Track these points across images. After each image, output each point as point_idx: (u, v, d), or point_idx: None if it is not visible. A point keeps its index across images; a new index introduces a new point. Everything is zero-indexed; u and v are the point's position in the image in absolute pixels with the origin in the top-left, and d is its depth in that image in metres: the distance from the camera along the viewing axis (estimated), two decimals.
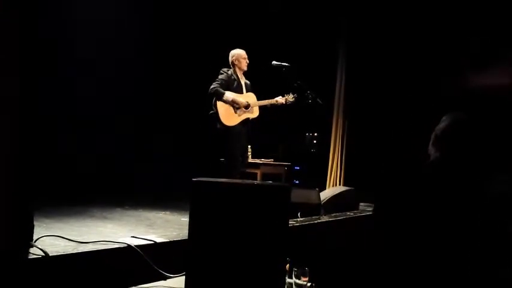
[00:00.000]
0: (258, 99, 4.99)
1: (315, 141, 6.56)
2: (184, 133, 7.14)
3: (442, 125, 1.96)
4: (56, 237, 2.83)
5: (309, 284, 2.40)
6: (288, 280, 2.42)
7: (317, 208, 5.00)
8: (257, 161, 5.80)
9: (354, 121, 6.58)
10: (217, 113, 4.72)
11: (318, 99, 4.98)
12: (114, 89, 6.34)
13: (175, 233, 3.32)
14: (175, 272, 2.84)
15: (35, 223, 2.68)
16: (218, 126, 4.76)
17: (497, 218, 1.79)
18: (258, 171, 5.57)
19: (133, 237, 3.05)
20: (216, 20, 7.17)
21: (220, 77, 4.80)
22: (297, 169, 6.44)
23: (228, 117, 4.74)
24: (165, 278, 2.78)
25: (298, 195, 4.90)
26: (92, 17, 6.03)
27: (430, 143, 1.98)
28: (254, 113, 4.91)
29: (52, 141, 5.37)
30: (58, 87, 5.70)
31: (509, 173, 1.89)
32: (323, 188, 6.23)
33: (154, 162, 6.78)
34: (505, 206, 1.81)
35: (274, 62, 5.01)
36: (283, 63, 4.96)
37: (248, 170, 5.16)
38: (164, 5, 6.95)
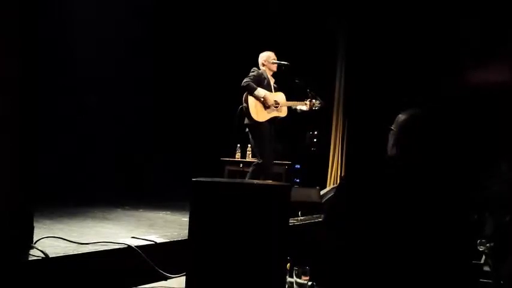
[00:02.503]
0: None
1: (315, 140, 6.55)
2: (186, 132, 7.13)
3: (398, 120, 1.96)
4: (56, 239, 2.83)
5: (309, 283, 2.40)
6: (288, 279, 2.42)
7: (318, 206, 5.00)
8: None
9: (354, 119, 6.57)
10: (248, 107, 4.79)
11: (318, 97, 4.99)
12: (114, 89, 6.34)
13: (175, 233, 3.32)
14: (176, 272, 2.83)
15: (35, 224, 2.68)
16: (246, 121, 4.85)
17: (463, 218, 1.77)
18: None
19: (133, 237, 3.05)
20: (216, 20, 7.16)
21: (251, 73, 4.88)
22: (297, 168, 6.44)
23: (258, 112, 4.81)
24: (165, 278, 2.78)
25: (298, 194, 4.90)
26: (92, 17, 6.03)
27: (390, 139, 1.97)
28: (282, 113, 4.98)
29: (52, 141, 5.37)
30: (58, 86, 5.69)
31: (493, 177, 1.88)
32: (323, 186, 6.23)
33: (155, 162, 6.78)
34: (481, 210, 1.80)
35: (273, 61, 5.02)
36: (282, 62, 4.98)
37: (247, 169, 5.17)
38: (164, 5, 6.94)
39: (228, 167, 6.09)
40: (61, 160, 5.65)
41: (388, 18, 6.32)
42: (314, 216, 4.63)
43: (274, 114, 4.90)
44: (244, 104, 4.83)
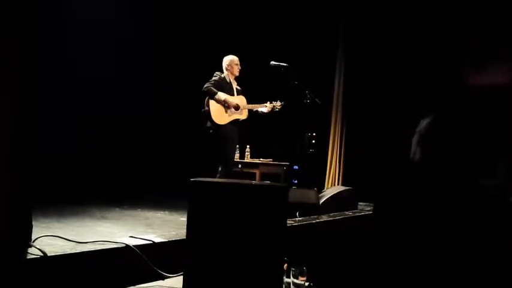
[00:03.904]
0: (254, 100, 5.17)
1: (313, 141, 6.57)
2: (185, 132, 7.14)
3: (423, 125, 1.96)
4: (55, 237, 2.83)
5: (306, 284, 2.41)
6: (286, 280, 2.42)
7: (316, 208, 5.01)
8: (256, 160, 5.81)
9: (353, 121, 6.58)
10: (209, 111, 4.91)
11: (316, 99, 5.03)
12: (113, 88, 6.34)
13: (173, 233, 3.32)
14: (174, 271, 2.84)
15: (33, 223, 2.69)
16: (208, 124, 4.96)
17: (486, 217, 1.79)
18: (257, 171, 5.59)
19: (131, 237, 3.05)
20: (216, 20, 7.16)
21: (213, 78, 5.01)
22: (295, 169, 6.45)
23: (219, 116, 4.93)
24: (163, 278, 2.78)
25: (296, 195, 4.91)
26: (92, 17, 6.03)
27: (414, 143, 1.98)
28: (243, 115, 5.11)
29: (51, 140, 5.37)
30: (58, 86, 5.69)
31: (496, 175, 1.89)
32: (321, 187, 6.23)
33: (154, 162, 6.78)
34: (497, 208, 1.81)
35: (272, 62, 5.09)
36: (281, 64, 5.03)
37: (246, 170, 5.22)
38: (164, 5, 6.94)
39: None
40: (60, 158, 5.66)
41: (388, 21, 6.33)
42: (312, 217, 4.64)
43: (235, 116, 5.03)
44: (206, 108, 4.94)
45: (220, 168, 4.96)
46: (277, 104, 5.16)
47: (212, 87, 4.91)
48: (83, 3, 6.03)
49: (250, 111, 5.18)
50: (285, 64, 5.03)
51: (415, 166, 1.95)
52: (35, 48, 2.68)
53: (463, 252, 1.75)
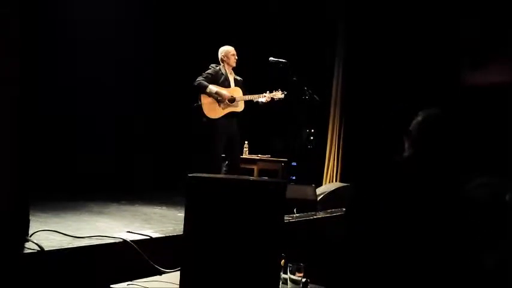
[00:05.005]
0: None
1: (311, 138, 6.57)
2: (183, 128, 7.14)
3: (416, 120, 1.96)
4: (52, 232, 2.83)
5: (303, 280, 2.41)
6: (283, 275, 2.43)
7: (313, 204, 5.01)
8: (254, 156, 5.81)
9: (351, 117, 6.58)
10: (200, 105, 4.82)
11: (315, 96, 5.02)
12: (113, 88, 6.32)
13: (171, 228, 3.33)
14: (171, 267, 2.84)
15: (31, 217, 2.69)
16: (203, 119, 4.85)
17: (470, 218, 1.79)
18: (255, 167, 5.60)
19: (129, 232, 3.06)
20: (217, 20, 7.15)
21: (207, 71, 4.91)
22: (293, 165, 6.45)
23: (212, 110, 4.83)
24: (160, 273, 2.78)
25: (294, 191, 4.91)
26: (91, 17, 6.01)
27: (405, 139, 1.98)
28: (239, 107, 4.97)
29: (51, 138, 5.37)
30: (58, 86, 5.68)
31: (489, 175, 1.89)
32: (320, 184, 6.24)
33: (152, 157, 6.78)
34: (484, 211, 1.80)
35: (271, 58, 5.06)
36: (280, 60, 5.00)
37: (245, 166, 5.19)
38: (164, 5, 6.92)
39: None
40: (58, 154, 5.65)
41: (387, 19, 6.32)
42: (309, 213, 4.64)
43: (230, 109, 4.89)
44: (199, 102, 4.85)
45: (206, 163, 4.86)
46: (278, 93, 5.00)
47: (203, 81, 4.80)
48: (83, 3, 6.00)
49: (249, 102, 5.04)
50: (284, 60, 5.01)
51: (406, 165, 1.95)
52: (35, 48, 2.68)
53: (460, 253, 1.76)
